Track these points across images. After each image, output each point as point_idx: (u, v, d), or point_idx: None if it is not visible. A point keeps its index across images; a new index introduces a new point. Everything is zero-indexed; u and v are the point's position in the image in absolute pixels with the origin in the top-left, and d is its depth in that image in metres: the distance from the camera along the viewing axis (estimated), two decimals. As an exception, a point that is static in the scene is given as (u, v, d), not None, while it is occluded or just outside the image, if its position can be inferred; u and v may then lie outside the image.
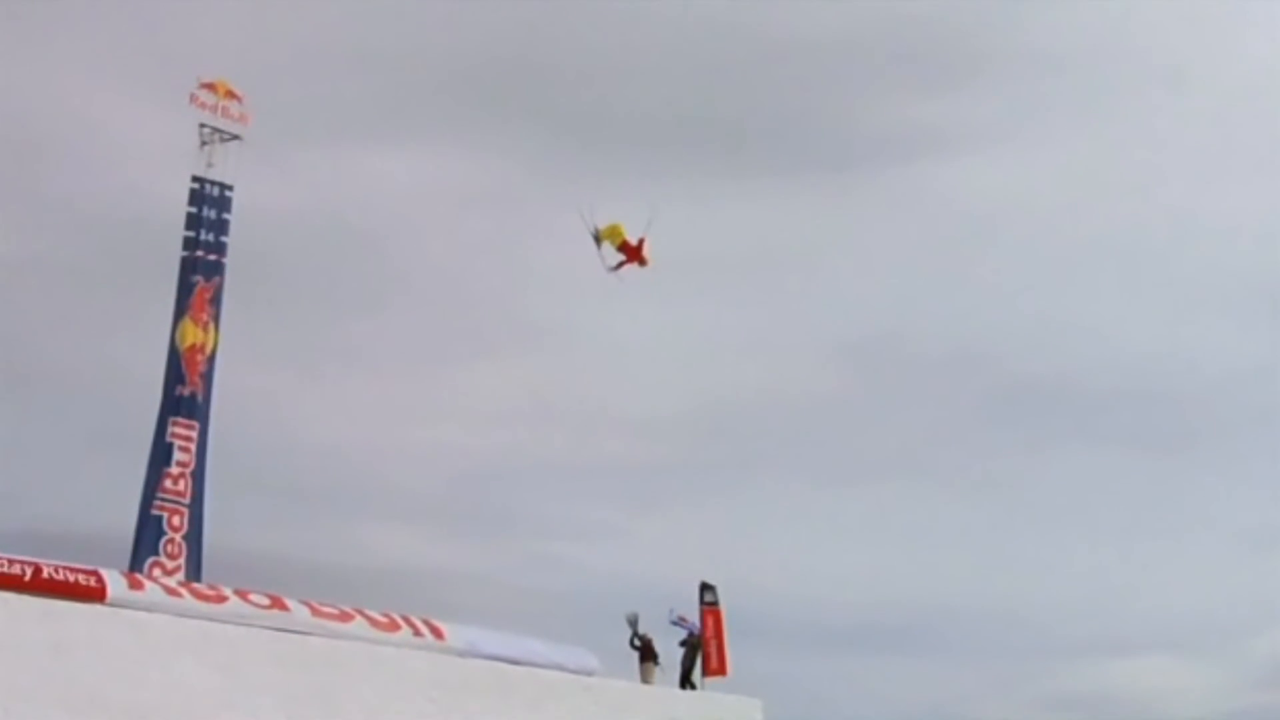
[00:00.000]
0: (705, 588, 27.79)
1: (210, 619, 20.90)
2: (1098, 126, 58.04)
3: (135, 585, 21.00)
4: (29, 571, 19.39)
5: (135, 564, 23.12)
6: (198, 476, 24.34)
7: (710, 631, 27.37)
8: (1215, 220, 58.76)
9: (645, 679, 26.32)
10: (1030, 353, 58.99)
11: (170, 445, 24.01)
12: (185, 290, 24.74)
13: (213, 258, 25.01)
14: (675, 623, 27.21)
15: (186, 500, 24.10)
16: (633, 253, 25.11)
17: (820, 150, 57.11)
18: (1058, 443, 59.45)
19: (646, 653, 26.42)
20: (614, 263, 25.21)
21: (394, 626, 23.01)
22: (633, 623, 26.48)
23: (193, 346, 24.52)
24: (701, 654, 27.21)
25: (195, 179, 25.14)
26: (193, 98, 25.23)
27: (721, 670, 27.34)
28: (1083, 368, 59.37)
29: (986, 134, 57.51)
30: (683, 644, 27.22)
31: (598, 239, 25.00)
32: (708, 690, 27.16)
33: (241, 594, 21.81)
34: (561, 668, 24.56)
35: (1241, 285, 59.55)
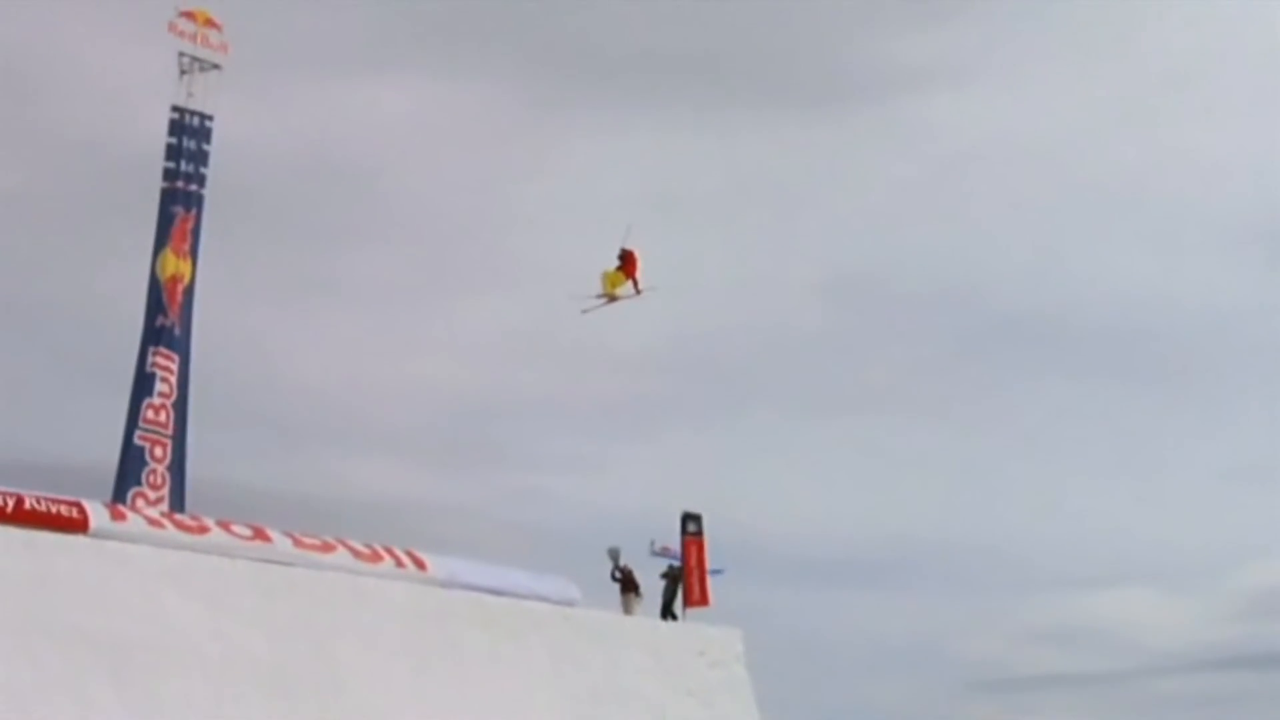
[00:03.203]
0: (688, 518, 27.87)
1: (193, 550, 20.96)
2: (1085, 63, 57.86)
3: (118, 516, 21.03)
4: (11, 503, 19.40)
5: (118, 495, 23.13)
6: (180, 408, 24.30)
7: (693, 562, 27.47)
8: (1204, 158, 58.71)
9: (627, 610, 26.47)
10: (1015, 289, 59.10)
11: (152, 376, 23.97)
12: (165, 221, 24.60)
13: (193, 189, 24.85)
14: (657, 554, 27.33)
15: (169, 431, 24.08)
16: (630, 265, 25.50)
17: (805, 84, 56.88)
18: (1041, 378, 59.69)
19: (628, 584, 26.56)
20: (609, 289, 25.48)
21: (376, 558, 23.10)
22: (614, 556, 26.60)
23: (173, 277, 24.42)
24: (683, 585, 27.34)
25: (175, 109, 24.93)
26: (171, 26, 24.97)
27: (703, 601, 27.47)
28: (1067, 304, 59.52)
29: (972, 69, 57.30)
30: (664, 576, 27.35)
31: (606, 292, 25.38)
32: (689, 621, 27.33)
33: (224, 525, 21.86)
34: (543, 598, 24.70)
35: (1229, 224, 59.62)
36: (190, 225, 24.78)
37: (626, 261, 26.51)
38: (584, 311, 24.80)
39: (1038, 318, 59.07)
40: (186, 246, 24.71)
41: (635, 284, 26.30)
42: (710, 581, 27.50)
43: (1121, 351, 59.32)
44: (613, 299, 25.78)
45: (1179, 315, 58.19)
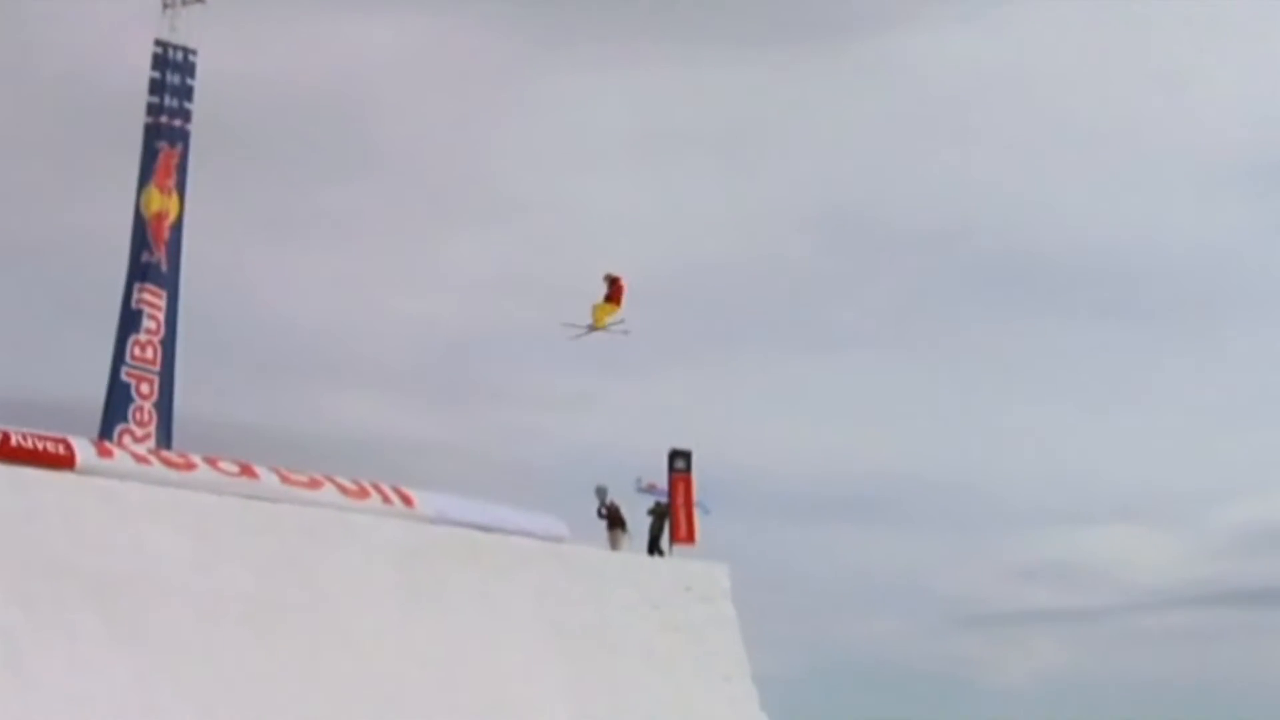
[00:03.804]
0: (676, 455, 27.92)
1: (180, 486, 20.97)
2: (1078, 2, 57.51)
3: (104, 453, 21.01)
4: (-3, 439, 19.38)
5: (105, 431, 23.11)
6: (167, 344, 24.23)
7: (679, 499, 27.54)
8: (1192, 101, 58.55)
9: (614, 546, 26.57)
10: (1005, 227, 59.08)
11: (138, 312, 23.89)
12: (149, 157, 24.43)
13: (177, 124, 24.66)
14: (643, 490, 27.40)
15: (156, 368, 24.02)
16: (617, 293, 25.77)
17: (799, 19, 56.52)
18: (1031, 316, 59.81)
19: (615, 520, 26.64)
20: (598, 322, 25.73)
21: (364, 494, 23.13)
22: (601, 495, 26.67)
23: (158, 214, 24.28)
24: (670, 522, 27.44)
25: (158, 43, 24.70)
26: (155, -41, 24.70)
27: (690, 539, 27.57)
28: (1057, 242, 59.54)
29: (965, 7, 56.94)
30: (651, 512, 27.44)
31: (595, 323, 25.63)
32: (676, 557, 27.45)
33: (211, 461, 21.87)
34: (531, 534, 24.77)
35: (1215, 165, 59.55)
36: (175, 161, 24.61)
37: (614, 289, 26.81)
38: (572, 338, 25.39)
39: (1028, 256, 59.15)
40: (172, 182, 24.55)
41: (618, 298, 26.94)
42: (697, 518, 27.61)
43: (1110, 290, 59.46)
44: (601, 328, 26.34)
45: (1167, 253, 58.30)
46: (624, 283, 26.88)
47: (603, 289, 27.04)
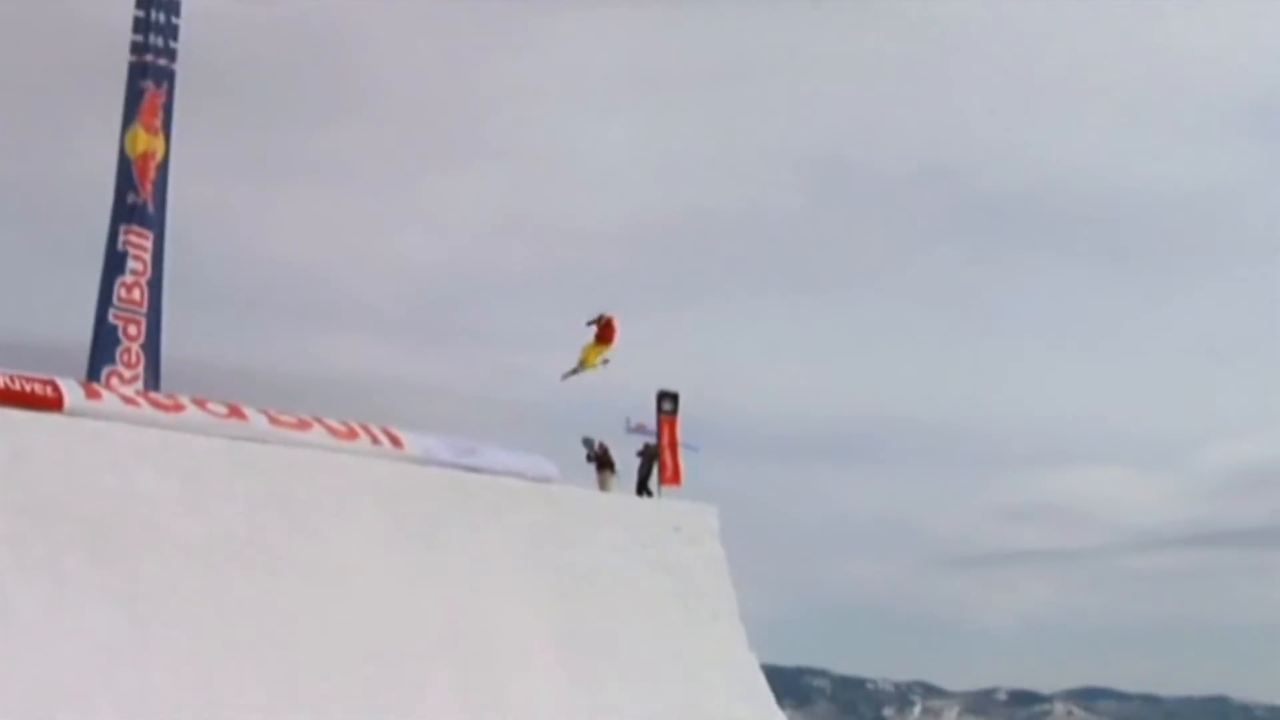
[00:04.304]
0: (664, 396, 27.99)
1: (168, 428, 20.97)
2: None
3: (92, 395, 20.99)
4: (-16, 380, 19.36)
5: (92, 374, 23.02)
6: (154, 286, 24.09)
7: (666, 440, 27.62)
8: (1182, 44, 58.41)
9: (603, 487, 26.65)
10: (992, 170, 59.15)
11: (124, 254, 23.72)
12: (134, 96, 24.19)
13: (162, 63, 24.40)
14: (632, 430, 27.46)
15: (143, 310, 23.91)
16: (608, 333, 25.62)
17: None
18: (1017, 259, 60.03)
19: (603, 461, 26.71)
20: (589, 364, 25.49)
21: (352, 435, 23.15)
22: (588, 445, 26.71)
23: (144, 154, 24.07)
24: (659, 462, 27.53)
25: (143, -19, 24.42)
26: (139, -105, 24.37)
27: (675, 480, 27.68)
28: (1044, 185, 59.70)
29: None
30: (640, 454, 27.52)
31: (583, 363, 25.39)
32: (665, 498, 27.54)
33: (199, 402, 21.87)
34: (520, 475, 24.82)
35: (1205, 108, 59.56)
36: (161, 101, 24.37)
37: (603, 329, 26.55)
38: (562, 379, 25.21)
39: (1015, 198, 59.27)
40: (157, 122, 24.33)
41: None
42: (683, 459, 27.69)
43: (1097, 231, 59.65)
44: (592, 368, 26.13)
45: (1154, 195, 58.44)
46: (616, 323, 26.63)
47: (591, 331, 26.73)
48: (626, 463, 27.25)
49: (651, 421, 27.67)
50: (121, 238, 23.70)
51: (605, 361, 26.24)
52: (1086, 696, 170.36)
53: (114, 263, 23.68)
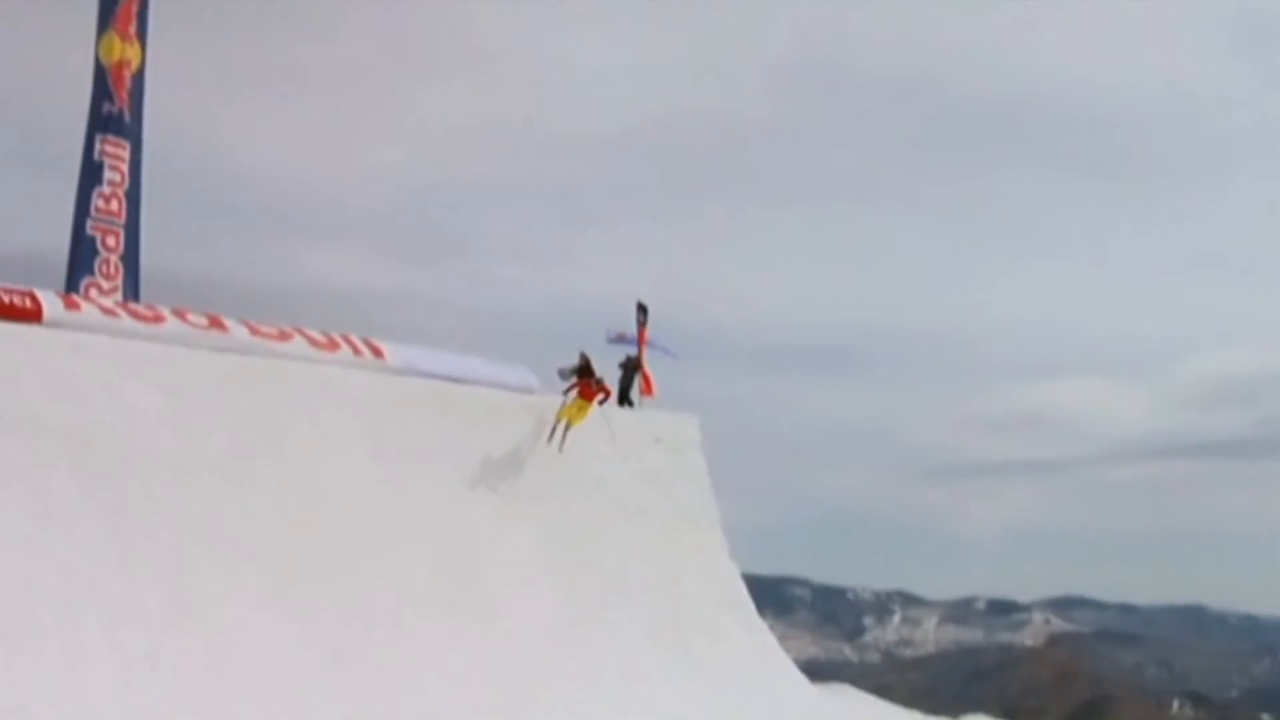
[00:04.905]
0: (641, 308, 27.96)
1: (149, 340, 20.89)
2: None
3: (71, 306, 20.88)
4: (-39, 292, 19.23)
5: (70, 285, 22.86)
6: (131, 196, 23.87)
7: (642, 351, 27.57)
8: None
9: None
10: (976, 78, 58.74)
11: (100, 164, 23.46)
12: (109, 3, 23.82)
13: (137, -32, 24.03)
14: (613, 340, 27.44)
15: (120, 220, 23.69)
16: (589, 391, 24.57)
17: None
18: (1000, 168, 59.81)
19: (585, 372, 26.66)
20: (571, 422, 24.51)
21: (333, 346, 23.11)
22: (562, 375, 26.33)
23: (119, 62, 23.75)
24: (640, 373, 27.53)
25: (117, -118, 23.97)
26: None
27: (647, 390, 27.67)
28: (1028, 93, 59.30)
29: None
30: (621, 365, 27.51)
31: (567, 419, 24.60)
32: (646, 409, 27.59)
33: (179, 314, 21.78)
34: (501, 386, 24.84)
35: (1196, 17, 59.07)
36: (135, 8, 23.98)
37: (584, 384, 24.69)
38: (548, 442, 24.30)
39: (998, 107, 58.92)
40: (133, 30, 23.97)
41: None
42: (650, 371, 27.57)
43: (1081, 141, 59.39)
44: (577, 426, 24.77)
45: (1140, 105, 58.17)
46: (595, 364, 24.88)
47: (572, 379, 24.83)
48: (608, 374, 27.23)
49: (632, 331, 27.64)
50: (98, 148, 23.43)
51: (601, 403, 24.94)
52: (1064, 605, 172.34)
53: (91, 173, 23.43)
